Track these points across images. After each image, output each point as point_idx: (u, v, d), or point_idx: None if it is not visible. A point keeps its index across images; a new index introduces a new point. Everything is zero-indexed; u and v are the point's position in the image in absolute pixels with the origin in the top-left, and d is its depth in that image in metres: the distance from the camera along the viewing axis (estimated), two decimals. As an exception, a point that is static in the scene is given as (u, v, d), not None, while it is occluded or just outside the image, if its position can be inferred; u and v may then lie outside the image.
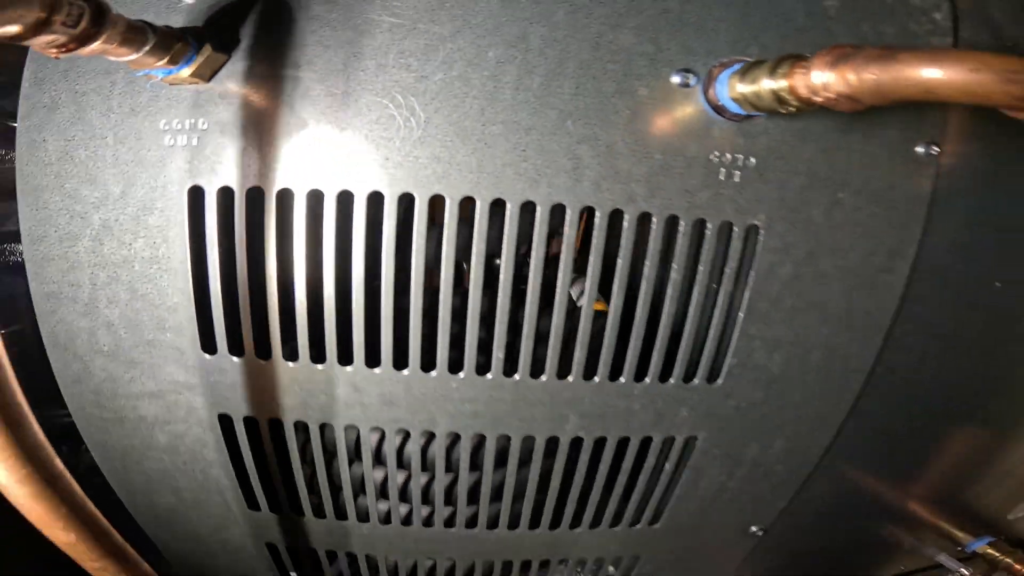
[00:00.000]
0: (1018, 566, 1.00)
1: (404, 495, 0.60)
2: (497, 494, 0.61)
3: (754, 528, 0.69)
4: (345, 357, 0.51)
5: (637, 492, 0.62)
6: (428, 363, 0.51)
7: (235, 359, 0.52)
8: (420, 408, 0.53)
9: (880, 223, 0.53)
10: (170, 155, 0.49)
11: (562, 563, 0.73)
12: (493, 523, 0.62)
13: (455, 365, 0.52)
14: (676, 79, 0.51)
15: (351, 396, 0.53)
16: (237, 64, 0.50)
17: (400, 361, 0.51)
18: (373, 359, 0.52)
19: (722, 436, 0.59)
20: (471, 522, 0.62)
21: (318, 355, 0.51)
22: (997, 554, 1.00)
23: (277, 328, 0.50)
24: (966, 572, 0.99)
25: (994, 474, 0.88)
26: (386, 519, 0.61)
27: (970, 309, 0.63)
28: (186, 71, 0.45)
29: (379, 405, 0.53)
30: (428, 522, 0.62)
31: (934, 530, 0.95)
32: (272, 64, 0.48)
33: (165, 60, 0.43)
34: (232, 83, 0.49)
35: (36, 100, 0.51)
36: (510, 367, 0.52)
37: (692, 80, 0.49)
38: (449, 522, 0.62)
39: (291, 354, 0.51)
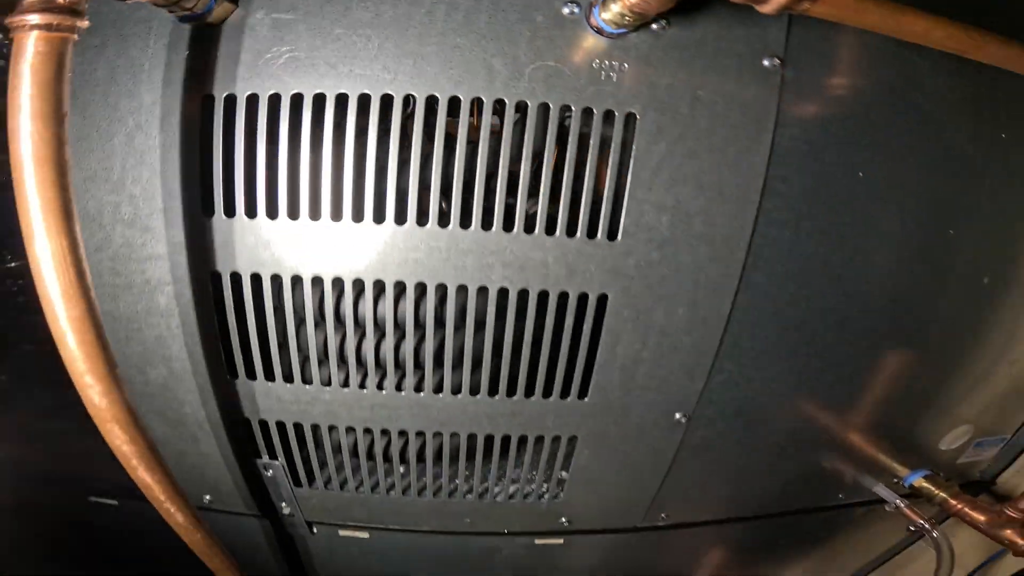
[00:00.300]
0: (953, 500, 1.00)
1: (360, 358, 0.69)
2: (439, 358, 0.70)
3: (678, 415, 0.78)
4: (315, 213, 0.64)
5: (563, 357, 0.70)
6: (379, 216, 0.64)
7: (227, 218, 0.64)
8: (373, 257, 0.65)
9: (736, 116, 0.68)
10: (191, 74, 0.65)
11: (505, 451, 0.78)
12: (438, 387, 0.71)
13: (401, 218, 0.64)
14: (565, 10, 0.67)
15: (318, 249, 0.66)
16: (242, 10, 0.68)
17: (358, 215, 0.64)
18: (337, 215, 0.64)
19: (629, 297, 0.70)
20: (418, 386, 0.71)
21: (293, 212, 0.63)
22: (932, 488, 1.01)
23: (263, 191, 0.63)
24: (902, 504, 1.00)
25: (921, 400, 0.94)
26: (344, 382, 0.70)
27: (837, 193, 0.76)
28: (207, 16, 0.65)
29: (340, 256, 0.65)
30: (380, 385, 0.71)
31: (867, 457, 0.98)
32: (267, 10, 0.67)
33: (193, 7, 0.62)
34: (238, 23, 0.68)
35: (88, 43, 0.69)
36: (444, 219, 0.63)
37: (576, 10, 0.67)
38: (399, 386, 0.70)
39: (272, 212, 0.64)
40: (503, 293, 0.69)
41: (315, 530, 0.95)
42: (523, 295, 0.70)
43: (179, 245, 0.69)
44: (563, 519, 0.93)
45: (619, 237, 0.70)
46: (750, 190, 0.71)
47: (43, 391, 0.86)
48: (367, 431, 0.79)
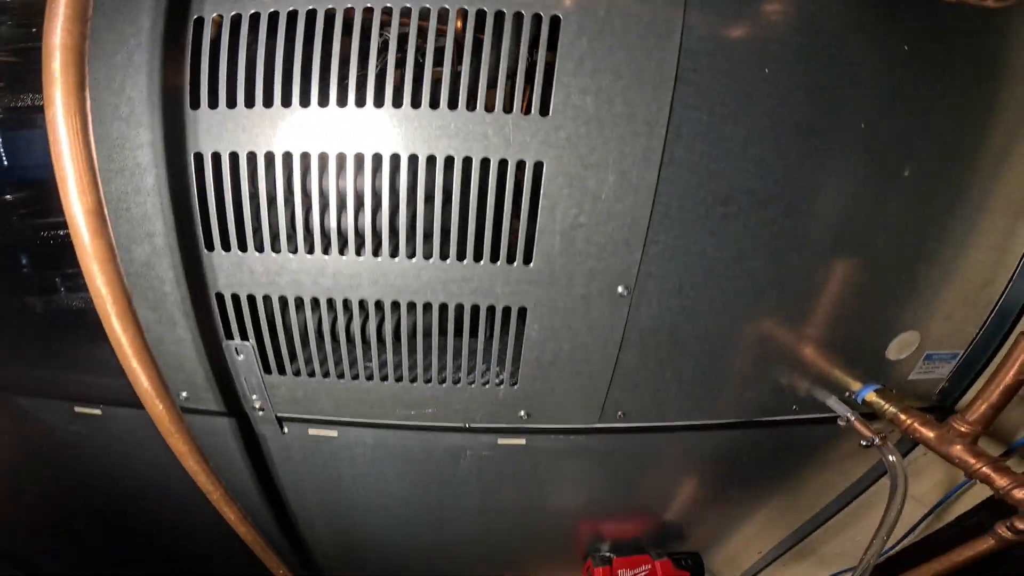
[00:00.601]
0: (903, 416, 0.99)
1: (324, 229, 0.74)
2: (394, 225, 0.75)
3: (621, 288, 0.82)
4: (286, 101, 0.72)
5: (506, 221, 0.75)
6: (342, 101, 0.72)
7: (210, 110, 0.73)
8: (336, 135, 0.74)
9: (647, 19, 0.83)
10: (183, 2, 0.76)
11: (460, 333, 0.81)
12: (394, 252, 0.75)
13: (361, 102, 0.73)
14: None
15: (289, 130, 0.78)
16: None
17: (323, 101, 0.72)
18: (305, 102, 0.72)
19: (562, 164, 0.79)
20: (376, 251, 0.75)
21: (268, 100, 0.72)
22: (883, 402, 1.00)
23: (243, 85, 0.73)
24: (852, 417, 0.98)
25: (856, 294, 0.95)
26: (310, 249, 0.75)
27: (746, 85, 0.85)
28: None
29: (308, 135, 0.76)
30: (342, 251, 0.75)
31: (814, 361, 0.99)
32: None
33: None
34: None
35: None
36: (398, 100, 0.71)
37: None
38: (359, 251, 0.75)
39: (249, 102, 0.72)
40: (449, 161, 0.76)
41: (286, 429, 0.94)
42: (467, 163, 0.76)
43: (167, 133, 0.78)
44: (522, 412, 0.94)
45: (550, 114, 0.77)
46: (664, 78, 0.81)
47: (36, 300, 0.90)
48: (330, 303, 0.81)
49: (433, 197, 0.80)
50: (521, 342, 0.90)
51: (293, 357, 0.93)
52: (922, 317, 1.06)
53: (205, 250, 0.84)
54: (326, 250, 0.82)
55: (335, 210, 0.81)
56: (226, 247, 0.83)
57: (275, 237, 0.82)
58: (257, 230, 0.83)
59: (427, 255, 0.83)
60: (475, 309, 0.87)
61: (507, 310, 0.88)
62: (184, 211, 0.82)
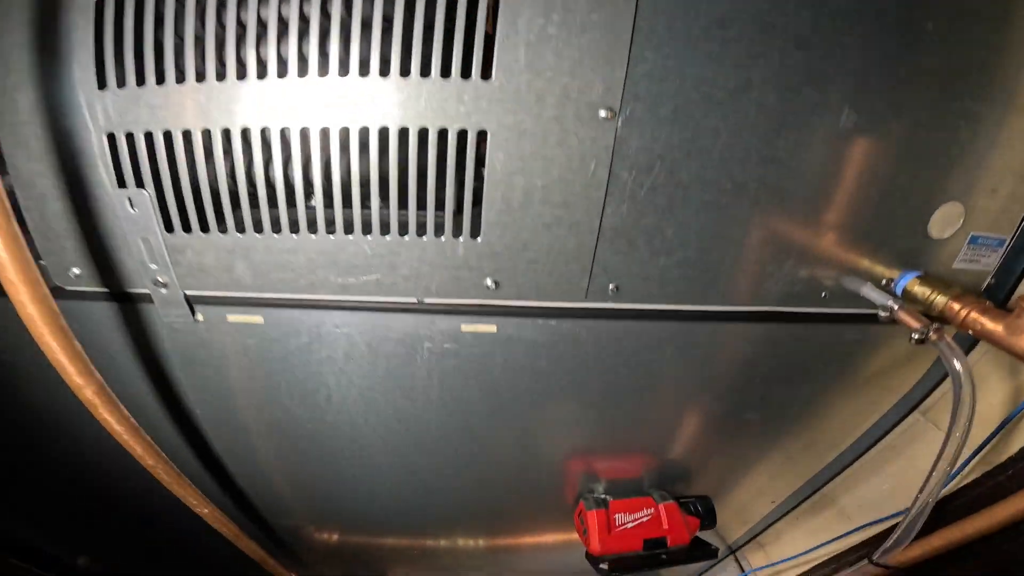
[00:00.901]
0: (957, 305, 0.78)
1: (240, 56, 0.59)
2: (324, 49, 0.63)
3: (603, 112, 0.66)
4: None
5: (459, 32, 0.60)
6: None
7: None
8: None
9: None
10: None
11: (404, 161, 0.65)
12: (323, 71, 0.59)
13: None
14: None
15: None
16: None
17: None
18: None
19: None
20: (301, 71, 0.60)
21: None
22: (930, 290, 0.80)
23: None
24: (896, 306, 0.78)
25: (899, 168, 0.77)
26: (221, 76, 0.61)
27: None
28: None
29: None
30: (261, 75, 0.61)
31: (842, 236, 0.81)
32: None
33: None
34: None
35: None
36: None
37: None
38: (281, 73, 0.60)
39: None
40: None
41: (199, 315, 0.74)
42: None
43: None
44: (489, 280, 0.74)
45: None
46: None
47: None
48: (245, 136, 0.64)
49: (371, 18, 0.65)
50: (483, 177, 0.72)
51: (200, 209, 0.75)
52: (965, 188, 0.89)
53: (97, 90, 0.69)
54: (241, 75, 0.68)
55: (253, 37, 0.67)
56: (121, 83, 0.68)
57: (180, 69, 0.68)
58: (159, 62, 0.67)
59: (363, 70, 0.69)
60: (423, 134, 0.72)
61: (463, 136, 0.72)
62: (76, 50, 0.65)
